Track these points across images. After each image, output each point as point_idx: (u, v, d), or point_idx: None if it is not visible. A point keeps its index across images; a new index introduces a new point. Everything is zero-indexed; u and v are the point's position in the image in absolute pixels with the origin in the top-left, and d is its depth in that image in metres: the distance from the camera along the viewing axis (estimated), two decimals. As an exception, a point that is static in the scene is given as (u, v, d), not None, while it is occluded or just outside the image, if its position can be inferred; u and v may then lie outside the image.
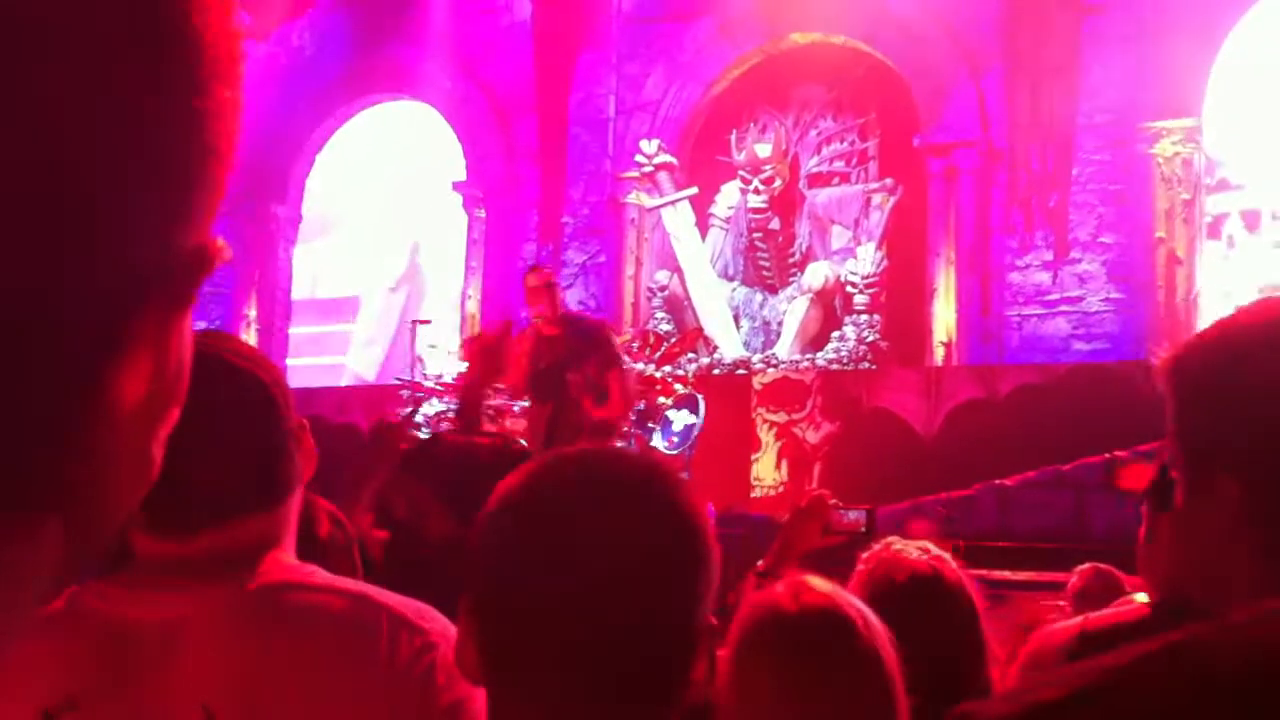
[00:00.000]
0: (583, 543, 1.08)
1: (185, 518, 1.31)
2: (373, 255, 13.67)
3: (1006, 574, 6.34)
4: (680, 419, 8.76)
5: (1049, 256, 10.20)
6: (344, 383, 12.78)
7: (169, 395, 0.45)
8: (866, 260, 10.88)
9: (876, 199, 11.12)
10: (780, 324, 11.29)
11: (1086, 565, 4.22)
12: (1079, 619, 2.31)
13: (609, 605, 1.07)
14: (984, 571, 6.13)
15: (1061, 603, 4.34)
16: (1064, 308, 10.10)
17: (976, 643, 2.22)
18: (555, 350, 6.90)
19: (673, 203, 11.54)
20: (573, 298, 11.69)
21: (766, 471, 9.86)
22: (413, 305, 12.97)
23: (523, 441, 5.04)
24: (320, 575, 1.36)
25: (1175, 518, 1.16)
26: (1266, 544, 1.06)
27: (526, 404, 7.34)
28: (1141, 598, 2.36)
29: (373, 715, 1.27)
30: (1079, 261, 10.11)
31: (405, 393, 9.89)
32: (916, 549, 2.30)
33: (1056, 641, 2.17)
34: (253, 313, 13.17)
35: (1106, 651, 0.89)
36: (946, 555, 2.33)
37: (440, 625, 1.33)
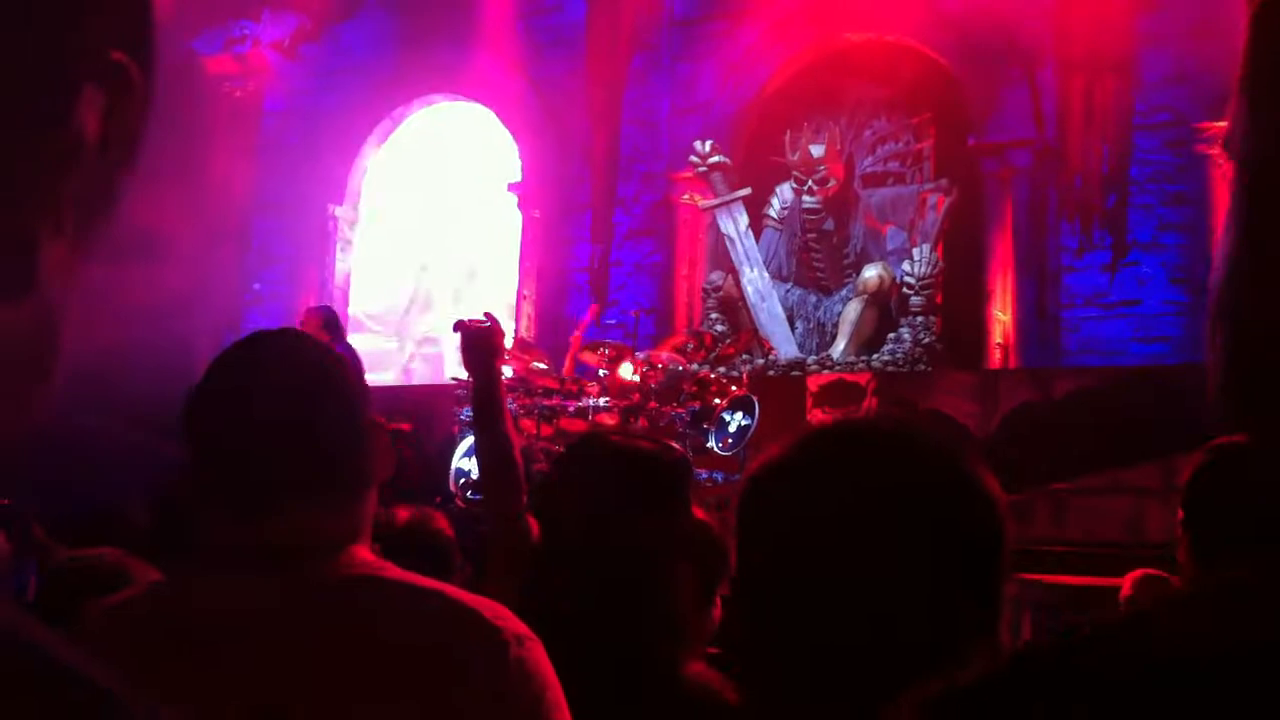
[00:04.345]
0: (867, 515, 1.00)
1: (264, 500, 1.35)
2: (427, 257, 13.76)
3: (1063, 579, 6.27)
4: (735, 420, 8.74)
5: (1107, 258, 10.08)
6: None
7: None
8: (922, 261, 10.79)
9: (931, 199, 11.03)
10: (835, 325, 11.23)
11: (1138, 572, 4.16)
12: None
13: (889, 584, 0.98)
14: (1039, 576, 6.08)
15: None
16: (1122, 310, 9.98)
17: None
18: None
19: (726, 203, 11.51)
20: (626, 299, 11.69)
21: (820, 473, 9.79)
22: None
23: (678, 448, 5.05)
24: (395, 570, 1.38)
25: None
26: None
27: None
28: None
29: (446, 712, 1.26)
30: (1138, 263, 9.98)
31: (461, 392, 9.93)
32: None
33: None
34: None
35: None
36: None
37: (513, 623, 1.34)
